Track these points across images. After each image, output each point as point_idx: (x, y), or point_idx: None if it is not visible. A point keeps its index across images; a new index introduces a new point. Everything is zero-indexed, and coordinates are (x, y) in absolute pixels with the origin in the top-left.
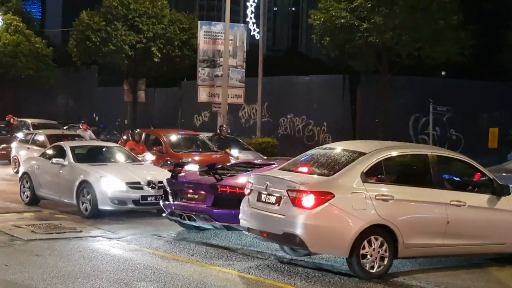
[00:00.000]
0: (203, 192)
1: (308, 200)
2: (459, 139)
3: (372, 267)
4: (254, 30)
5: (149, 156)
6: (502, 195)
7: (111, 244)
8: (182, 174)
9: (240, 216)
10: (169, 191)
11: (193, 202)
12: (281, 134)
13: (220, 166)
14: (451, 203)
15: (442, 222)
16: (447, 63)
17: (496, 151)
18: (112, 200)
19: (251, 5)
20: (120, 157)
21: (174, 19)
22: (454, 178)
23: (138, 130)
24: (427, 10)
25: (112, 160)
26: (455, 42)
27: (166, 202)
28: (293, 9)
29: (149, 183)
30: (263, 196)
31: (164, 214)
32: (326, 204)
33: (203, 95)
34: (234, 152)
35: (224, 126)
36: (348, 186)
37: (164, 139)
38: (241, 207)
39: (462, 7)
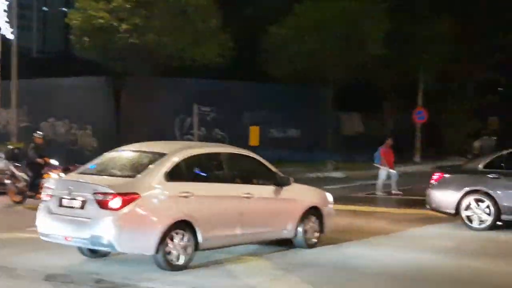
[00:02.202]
0: None
1: (115, 201)
2: (223, 138)
3: (177, 260)
4: (7, 29)
5: None
6: (284, 186)
7: None
8: None
9: (37, 222)
10: None
11: None
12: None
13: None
14: (243, 196)
15: (236, 214)
16: (210, 65)
17: (258, 148)
18: None
19: (3, 3)
20: None
21: None
22: (244, 173)
23: None
24: (186, 13)
25: None
26: (215, 44)
27: None
28: (64, 9)
29: None
30: (65, 201)
31: None
32: (132, 204)
33: None
34: (54, 161)
35: (38, 132)
36: (152, 186)
37: None
38: (38, 214)
39: (222, 11)
